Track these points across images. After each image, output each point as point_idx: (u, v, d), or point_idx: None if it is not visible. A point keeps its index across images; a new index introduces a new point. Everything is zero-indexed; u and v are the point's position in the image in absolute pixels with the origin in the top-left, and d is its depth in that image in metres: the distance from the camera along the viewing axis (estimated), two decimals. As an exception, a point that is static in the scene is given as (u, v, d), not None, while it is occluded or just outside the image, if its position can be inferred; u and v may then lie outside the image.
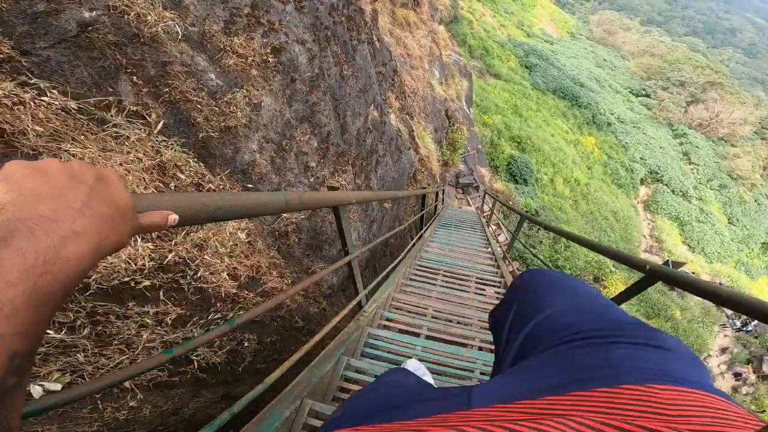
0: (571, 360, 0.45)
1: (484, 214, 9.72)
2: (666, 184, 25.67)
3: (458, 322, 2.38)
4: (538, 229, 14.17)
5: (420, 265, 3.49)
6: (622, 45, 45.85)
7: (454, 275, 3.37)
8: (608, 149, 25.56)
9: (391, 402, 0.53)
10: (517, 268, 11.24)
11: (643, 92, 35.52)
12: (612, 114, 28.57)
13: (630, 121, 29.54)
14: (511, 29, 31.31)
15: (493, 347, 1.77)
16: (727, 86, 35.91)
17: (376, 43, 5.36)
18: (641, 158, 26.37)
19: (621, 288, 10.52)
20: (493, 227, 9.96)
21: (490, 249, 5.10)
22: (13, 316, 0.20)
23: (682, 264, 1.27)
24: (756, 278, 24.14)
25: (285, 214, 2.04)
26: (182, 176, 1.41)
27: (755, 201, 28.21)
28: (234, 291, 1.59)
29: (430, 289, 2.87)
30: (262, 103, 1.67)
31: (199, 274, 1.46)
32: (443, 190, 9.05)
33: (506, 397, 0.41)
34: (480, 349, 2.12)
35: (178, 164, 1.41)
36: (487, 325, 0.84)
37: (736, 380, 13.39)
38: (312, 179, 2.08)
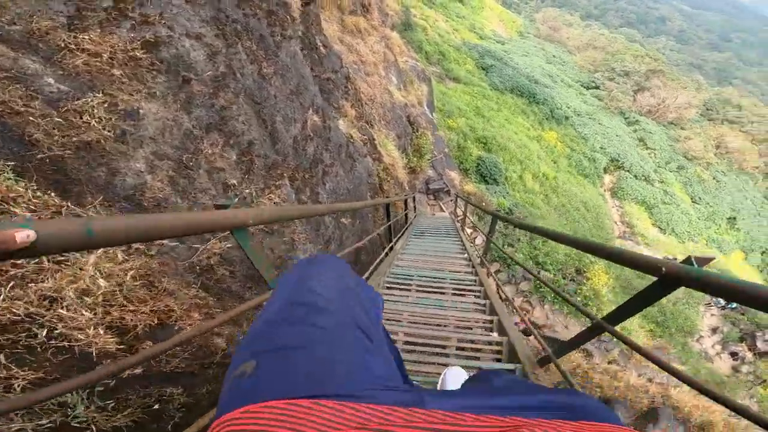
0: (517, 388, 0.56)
1: (458, 218, 9.54)
2: (628, 171, 26.91)
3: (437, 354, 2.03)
4: (515, 227, 14.26)
5: (389, 282, 3.14)
6: (567, 40, 48.63)
7: (428, 289, 3.06)
8: (569, 142, 26.53)
9: (330, 373, 0.45)
10: (498, 270, 11.22)
11: (593, 84, 37.58)
12: (568, 107, 29.87)
13: (585, 113, 31.00)
14: (465, 33, 32.35)
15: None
16: (667, 73, 38.68)
17: (322, 48, 5.05)
18: (601, 148, 27.56)
19: (604, 279, 10.62)
20: (469, 230, 9.82)
21: (466, 255, 4.83)
22: None
23: (708, 260, 0.94)
24: (729, 253, 25.56)
25: (205, 244, 1.63)
26: (18, 210, 1.00)
27: (714, 179, 30.12)
28: (118, 346, 1.20)
29: (401, 310, 2.50)
30: (141, 111, 1.28)
31: (57, 332, 1.10)
32: (413, 198, 8.80)
33: (456, 407, 0.43)
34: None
35: (11, 195, 1.00)
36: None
37: (734, 360, 13.38)
38: (236, 199, 1.69)
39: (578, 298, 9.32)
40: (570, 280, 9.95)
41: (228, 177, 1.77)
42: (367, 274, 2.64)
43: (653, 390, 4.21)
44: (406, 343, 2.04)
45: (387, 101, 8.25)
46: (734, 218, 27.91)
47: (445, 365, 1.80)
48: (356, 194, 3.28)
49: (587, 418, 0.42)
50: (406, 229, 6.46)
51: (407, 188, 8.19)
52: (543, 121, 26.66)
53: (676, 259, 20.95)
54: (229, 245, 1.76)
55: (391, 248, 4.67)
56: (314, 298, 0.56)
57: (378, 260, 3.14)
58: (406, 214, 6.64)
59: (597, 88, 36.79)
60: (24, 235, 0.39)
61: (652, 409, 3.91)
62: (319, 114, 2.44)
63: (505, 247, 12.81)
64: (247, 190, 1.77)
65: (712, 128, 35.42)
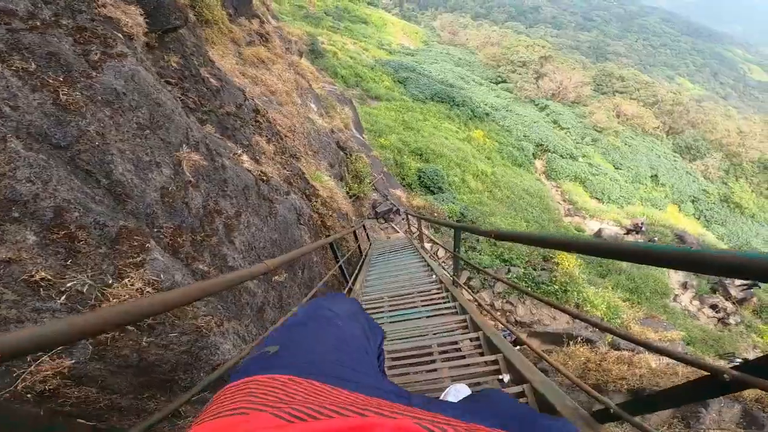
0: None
1: (414, 235, 9.04)
2: (554, 152, 29.06)
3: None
4: (494, 238, 14.13)
5: None
6: (467, 42, 52.88)
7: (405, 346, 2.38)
8: (496, 136, 28.08)
9: (337, 357, 0.57)
10: (469, 277, 10.83)
11: (500, 79, 40.88)
12: (486, 104, 31.89)
13: (501, 106, 33.34)
14: (375, 51, 33.48)
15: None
16: (556, 58, 43.63)
17: (212, 80, 4.29)
18: (525, 136, 29.55)
19: (573, 261, 10.70)
20: (428, 245, 9.36)
21: (434, 276, 4.24)
22: None
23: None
24: (664, 208, 28.37)
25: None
26: None
27: (625, 144, 33.75)
28: None
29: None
30: None
31: None
32: (363, 226, 8.14)
33: (442, 410, 0.49)
34: None
35: None
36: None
37: (716, 313, 13.64)
38: (56, 301, 0.91)
39: (555, 286, 9.19)
40: (541, 270, 9.85)
41: (31, 270, 0.96)
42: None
43: (683, 371, 3.86)
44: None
45: (310, 130, 7.61)
46: (656, 176, 31.25)
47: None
48: (286, 242, 2.52)
49: None
50: (363, 262, 5.74)
51: (354, 218, 7.51)
52: (467, 122, 28.02)
53: (635, 229, 22.54)
54: (71, 362, 0.94)
55: (350, 290, 3.93)
56: (328, 314, 0.70)
57: None
58: (359, 247, 5.92)
59: (504, 81, 40.02)
60: None
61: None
62: (201, 152, 1.68)
63: (467, 252, 12.63)
64: (71, 283, 0.97)
65: (607, 100, 40.12)
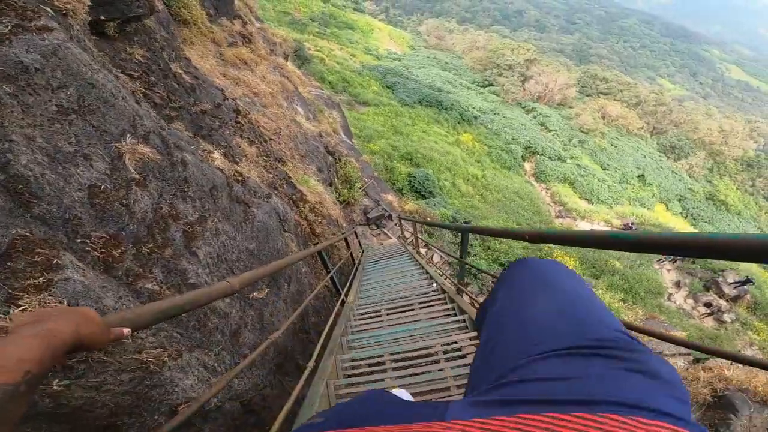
0: (552, 378, 0.44)
1: (408, 240, 8.73)
2: (542, 154, 29.23)
3: None
4: (506, 237, 13.93)
5: (352, 372, 2.14)
6: (453, 46, 53.32)
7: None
8: (485, 140, 28.14)
9: (374, 409, 0.59)
10: (467, 282, 10.49)
11: (487, 82, 41.22)
12: (473, 108, 32.02)
13: (489, 110, 33.54)
14: (362, 56, 33.41)
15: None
16: (541, 60, 44.25)
17: (185, 76, 3.97)
18: (513, 139, 29.69)
19: (571, 263, 10.54)
20: (423, 251, 9.07)
21: (435, 285, 3.94)
22: (30, 350, 0.40)
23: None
24: (652, 207, 28.70)
25: None
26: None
27: (612, 145, 34.22)
28: None
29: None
30: None
31: None
32: (355, 233, 7.81)
33: (482, 412, 0.43)
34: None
35: None
36: None
37: (710, 310, 13.61)
38: None
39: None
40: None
41: None
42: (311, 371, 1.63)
43: (705, 375, 3.62)
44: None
45: (297, 133, 7.29)
46: (643, 175, 31.69)
47: None
48: (267, 252, 2.19)
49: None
50: (356, 271, 5.40)
51: (345, 225, 7.18)
52: (456, 126, 28.03)
53: (631, 226, 22.64)
54: None
55: (343, 302, 3.60)
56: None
57: (323, 336, 2.07)
58: (351, 255, 5.59)
59: (491, 85, 40.36)
60: (128, 331, 0.61)
61: (719, 397, 3.28)
62: (153, 144, 1.36)
63: (458, 253, 12.34)
64: None
65: (592, 102, 40.78)
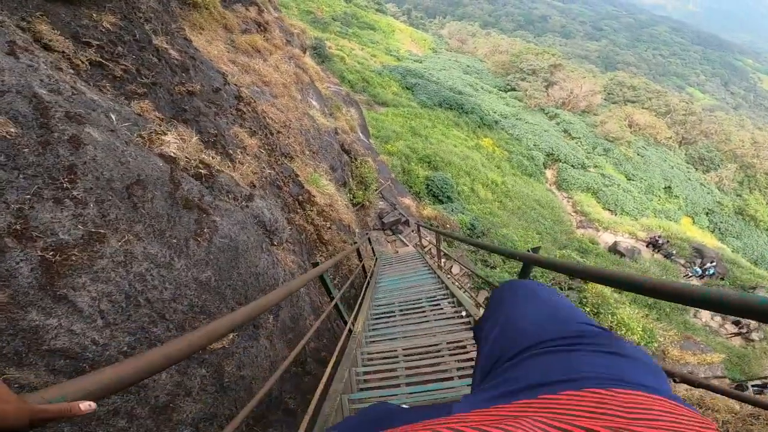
0: (541, 366, 0.50)
1: (426, 249, 7.94)
2: (565, 162, 27.91)
3: None
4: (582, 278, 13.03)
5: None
6: (475, 50, 52.07)
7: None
8: (505, 145, 27.05)
9: (381, 416, 0.60)
10: (487, 297, 9.61)
11: (509, 87, 39.91)
12: (495, 112, 30.90)
13: (511, 114, 32.33)
14: (382, 57, 32.80)
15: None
16: (567, 66, 42.67)
17: (172, 53, 3.32)
18: (535, 145, 28.46)
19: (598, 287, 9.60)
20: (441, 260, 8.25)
21: (464, 313, 3.15)
22: None
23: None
24: (678, 220, 27.02)
25: None
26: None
27: (638, 154, 32.51)
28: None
29: None
30: None
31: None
32: (368, 239, 7.08)
33: (483, 403, 0.46)
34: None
35: None
36: None
37: (740, 329, 12.82)
38: None
39: (587, 308, 8.03)
40: (568, 289, 8.70)
41: None
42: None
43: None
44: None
45: (310, 127, 6.61)
46: (670, 187, 29.98)
47: None
48: (234, 281, 1.46)
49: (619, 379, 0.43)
50: (368, 285, 4.64)
51: (357, 230, 6.44)
52: (476, 130, 27.03)
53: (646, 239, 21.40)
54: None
55: (350, 332, 2.86)
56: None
57: (321, 388, 1.35)
58: (363, 266, 4.84)
59: (513, 89, 39.08)
60: (87, 405, 0.51)
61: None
62: (3, 110, 0.65)
63: (478, 264, 11.55)
64: None
65: (618, 110, 38.97)
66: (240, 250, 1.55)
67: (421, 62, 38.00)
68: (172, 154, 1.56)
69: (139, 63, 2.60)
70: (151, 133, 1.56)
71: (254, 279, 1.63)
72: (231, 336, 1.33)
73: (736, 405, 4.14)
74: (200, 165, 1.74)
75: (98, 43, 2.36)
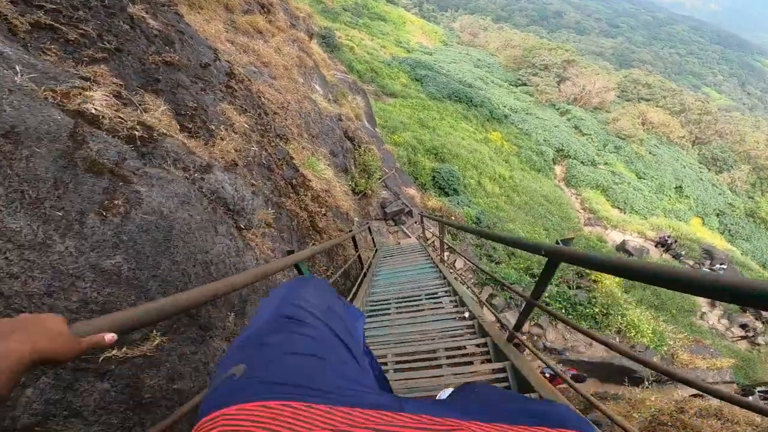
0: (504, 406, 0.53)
1: (429, 242, 7.58)
2: (574, 158, 27.16)
3: None
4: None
5: None
6: (486, 44, 50.78)
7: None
8: (515, 139, 26.37)
9: (315, 374, 0.49)
10: (492, 294, 9.13)
11: (520, 82, 38.88)
12: (505, 106, 30.13)
13: (521, 109, 31.47)
14: (392, 48, 32.11)
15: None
16: (580, 62, 41.37)
17: (150, 21, 2.98)
18: (545, 140, 27.72)
19: (613, 280, 9.09)
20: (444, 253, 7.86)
21: (467, 314, 2.79)
22: None
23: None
24: (688, 221, 26.20)
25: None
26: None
27: (650, 153, 31.51)
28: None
29: None
30: None
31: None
32: (369, 229, 6.74)
33: (438, 412, 0.44)
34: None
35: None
36: None
37: (746, 333, 12.56)
38: None
39: (596, 308, 7.61)
40: (577, 288, 8.26)
41: None
42: None
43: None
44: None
45: (310, 111, 6.25)
46: (680, 187, 29.08)
47: None
48: (166, 271, 1.13)
49: (562, 426, 0.44)
50: (363, 278, 4.30)
51: (356, 219, 6.10)
52: (485, 123, 26.36)
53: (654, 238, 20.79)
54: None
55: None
56: (299, 312, 0.60)
57: None
58: (359, 257, 4.50)
59: (524, 84, 38.10)
60: (111, 336, 0.54)
61: None
62: None
63: (483, 260, 11.19)
64: None
65: (632, 107, 37.75)
66: (176, 231, 1.22)
67: (431, 54, 37.16)
68: (93, 112, 1.24)
69: (104, 29, 2.26)
70: (70, 88, 1.23)
71: (202, 269, 1.31)
72: (157, 341, 1.01)
73: (756, 417, 3.77)
74: (137, 127, 1.41)
75: (54, 6, 2.03)
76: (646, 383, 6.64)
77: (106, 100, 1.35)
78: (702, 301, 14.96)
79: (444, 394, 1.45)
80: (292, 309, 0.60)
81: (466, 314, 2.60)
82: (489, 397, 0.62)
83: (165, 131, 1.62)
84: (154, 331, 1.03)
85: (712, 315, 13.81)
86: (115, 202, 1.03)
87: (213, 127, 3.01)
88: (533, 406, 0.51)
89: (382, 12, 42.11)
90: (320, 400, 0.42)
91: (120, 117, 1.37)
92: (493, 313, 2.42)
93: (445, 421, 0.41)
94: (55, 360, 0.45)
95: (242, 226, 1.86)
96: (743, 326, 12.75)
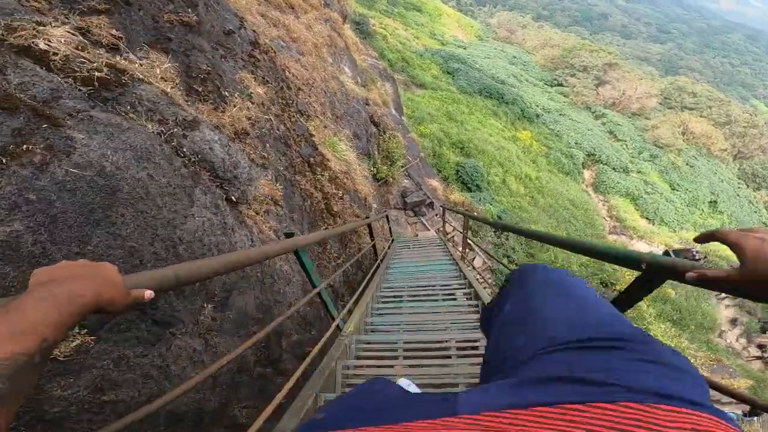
0: (567, 369, 0.42)
1: (449, 236, 7.16)
2: (606, 164, 25.72)
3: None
4: (507, 236, 12.12)
5: None
6: (524, 42, 48.51)
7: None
8: (545, 140, 25.22)
9: (375, 405, 0.53)
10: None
11: (556, 82, 37.02)
12: (537, 106, 28.76)
13: (554, 110, 29.97)
14: (425, 39, 31.18)
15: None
16: (623, 66, 38.85)
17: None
18: (576, 143, 26.37)
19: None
20: (461, 249, 7.40)
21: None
22: (48, 314, 0.35)
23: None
24: (719, 238, 24.48)
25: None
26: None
27: (687, 164, 29.44)
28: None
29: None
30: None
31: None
32: (387, 217, 6.41)
33: (494, 405, 0.40)
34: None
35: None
36: None
37: (762, 353, 12.09)
38: None
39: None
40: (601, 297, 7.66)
41: None
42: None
43: None
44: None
45: (336, 91, 5.92)
46: (715, 202, 27.10)
47: None
48: (95, 243, 0.85)
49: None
50: (375, 271, 3.93)
51: (375, 206, 5.77)
52: (515, 121, 25.27)
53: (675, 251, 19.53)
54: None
55: (337, 329, 2.24)
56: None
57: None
58: (373, 246, 4.18)
59: (560, 85, 36.28)
60: (150, 293, 0.53)
61: None
62: None
63: (503, 260, 10.71)
64: None
65: (674, 116, 35.27)
66: (124, 194, 0.93)
67: (465, 48, 35.83)
68: (42, 47, 0.96)
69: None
70: (25, 23, 0.96)
71: (165, 248, 1.01)
72: (77, 341, 0.74)
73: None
74: (103, 69, 1.13)
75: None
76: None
77: (67, 38, 1.08)
78: (723, 319, 14.23)
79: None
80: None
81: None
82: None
83: (142, 77, 1.34)
84: (77, 329, 0.76)
85: (731, 333, 13.38)
86: (29, 148, 0.76)
87: (227, 93, 2.74)
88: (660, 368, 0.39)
89: (419, 3, 40.87)
90: (391, 420, 0.42)
91: (83, 57, 1.10)
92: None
93: (519, 413, 0.35)
94: (110, 310, 0.45)
95: (234, 199, 1.57)
96: (761, 347, 12.31)
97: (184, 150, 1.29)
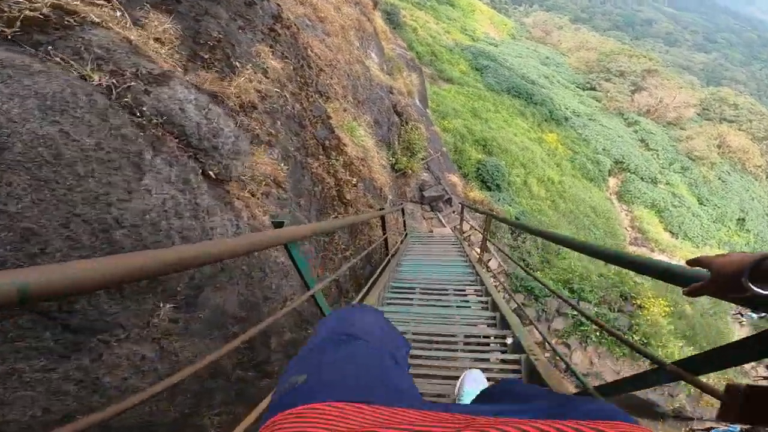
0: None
1: (465, 235, 6.78)
2: (633, 173, 24.38)
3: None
4: (525, 239, 11.58)
5: None
6: (558, 43, 46.28)
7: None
8: (571, 144, 24.08)
9: (374, 375, 0.50)
10: (523, 303, 8.04)
11: (589, 86, 35.20)
12: (567, 108, 27.44)
13: (584, 114, 28.51)
14: (456, 34, 30.15)
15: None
16: (663, 73, 36.47)
17: None
18: (604, 149, 25.06)
19: (663, 307, 7.70)
20: (477, 250, 6.96)
21: (510, 340, 2.10)
22: None
23: None
24: (746, 258, 22.96)
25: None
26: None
27: (719, 179, 27.58)
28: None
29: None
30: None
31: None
32: (402, 211, 6.08)
33: (489, 413, 0.42)
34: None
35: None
36: None
37: (766, 375, 11.36)
38: None
39: (635, 336, 6.50)
40: (618, 311, 7.12)
41: None
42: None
43: None
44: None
45: (360, 75, 5.58)
46: (743, 219, 25.31)
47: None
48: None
49: (613, 419, 0.40)
50: (383, 269, 3.58)
51: (389, 197, 5.44)
52: (542, 123, 24.18)
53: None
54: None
55: None
56: (354, 330, 0.61)
57: None
58: (385, 241, 3.87)
59: (593, 89, 34.48)
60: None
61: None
62: None
63: (518, 260, 10.18)
64: None
65: (711, 127, 32.96)
66: (16, 153, 0.66)
67: (496, 46, 34.45)
68: None
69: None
70: None
71: (97, 233, 0.75)
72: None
73: None
74: (45, 8, 0.85)
75: None
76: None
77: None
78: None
79: (470, 375, 1.37)
80: (347, 328, 0.60)
81: (509, 340, 1.92)
82: (528, 390, 0.58)
83: (97, 20, 1.07)
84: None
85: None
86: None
87: (238, 64, 2.46)
88: (580, 404, 0.44)
89: (453, -4, 39.42)
90: (388, 402, 0.42)
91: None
92: (544, 338, 1.75)
93: (489, 420, 0.37)
94: None
95: (213, 174, 1.30)
96: (769, 368, 11.27)
97: (144, 109, 1.02)
